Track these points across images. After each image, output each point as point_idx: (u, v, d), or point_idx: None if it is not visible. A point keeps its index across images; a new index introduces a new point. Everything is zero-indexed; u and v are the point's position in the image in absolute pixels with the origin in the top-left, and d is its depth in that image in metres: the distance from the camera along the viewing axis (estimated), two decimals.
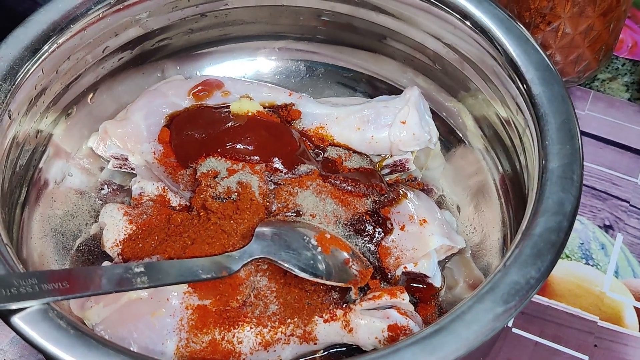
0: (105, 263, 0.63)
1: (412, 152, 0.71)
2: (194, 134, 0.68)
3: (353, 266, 0.62)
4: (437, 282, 0.66)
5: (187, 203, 0.67)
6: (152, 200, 0.69)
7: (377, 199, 0.67)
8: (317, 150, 0.71)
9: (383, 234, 0.66)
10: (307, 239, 0.62)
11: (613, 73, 0.91)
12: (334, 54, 0.80)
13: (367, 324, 0.59)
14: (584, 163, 0.58)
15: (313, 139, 0.71)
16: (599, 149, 0.84)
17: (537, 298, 0.73)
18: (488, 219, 0.70)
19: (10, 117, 0.62)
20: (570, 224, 0.54)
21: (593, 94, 0.89)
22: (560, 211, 0.55)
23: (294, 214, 0.64)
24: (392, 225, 0.66)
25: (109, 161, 0.72)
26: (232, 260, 0.59)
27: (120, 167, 0.72)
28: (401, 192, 0.68)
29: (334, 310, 0.60)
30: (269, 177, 0.65)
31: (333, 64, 0.81)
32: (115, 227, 0.66)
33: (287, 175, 0.66)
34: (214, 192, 0.64)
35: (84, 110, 0.73)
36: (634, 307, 0.73)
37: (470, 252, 0.69)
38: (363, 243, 0.65)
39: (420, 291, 0.66)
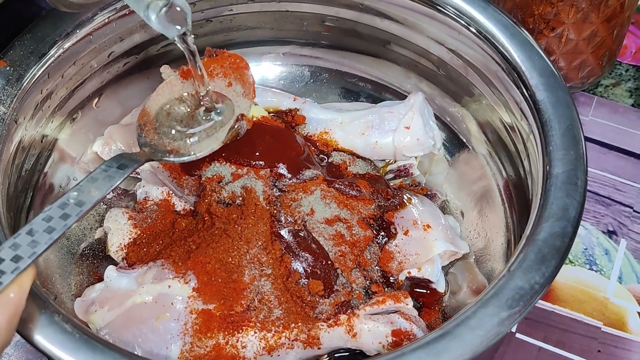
0: (110, 267, 0.64)
1: (416, 158, 0.72)
2: None
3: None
4: (440, 287, 0.66)
5: (192, 208, 0.68)
6: (157, 205, 0.69)
7: (381, 203, 0.67)
8: (321, 156, 0.71)
9: (387, 238, 0.66)
10: None
11: (616, 79, 0.91)
12: (338, 60, 0.80)
13: (371, 329, 0.59)
14: (587, 168, 0.58)
15: (317, 144, 0.72)
16: (602, 154, 0.84)
17: (541, 303, 0.73)
18: (492, 224, 0.70)
19: (16, 122, 0.62)
20: (575, 230, 0.55)
21: (596, 100, 0.89)
22: (564, 217, 0.55)
23: (300, 221, 0.64)
24: (395, 230, 0.66)
25: None
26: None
27: None
28: (405, 197, 0.68)
29: (338, 315, 0.60)
30: (274, 182, 0.65)
31: (337, 69, 0.81)
32: (120, 231, 0.67)
33: (291, 181, 0.66)
34: (218, 197, 0.64)
35: (89, 115, 0.73)
36: (638, 312, 0.73)
37: (473, 257, 0.69)
38: (367, 247, 0.65)
39: (423, 296, 0.66)
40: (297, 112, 0.73)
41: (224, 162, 0.66)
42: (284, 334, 0.59)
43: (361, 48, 0.79)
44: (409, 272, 0.65)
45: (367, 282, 0.64)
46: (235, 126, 0.62)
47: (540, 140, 0.61)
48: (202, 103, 0.62)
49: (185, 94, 0.64)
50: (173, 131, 0.62)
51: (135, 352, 0.58)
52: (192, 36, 0.57)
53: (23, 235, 0.47)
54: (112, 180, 0.53)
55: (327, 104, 0.78)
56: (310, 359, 0.61)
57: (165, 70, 0.67)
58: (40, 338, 0.49)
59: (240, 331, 0.59)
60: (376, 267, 0.65)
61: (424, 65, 0.76)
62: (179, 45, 0.57)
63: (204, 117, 0.63)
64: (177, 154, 0.61)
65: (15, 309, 0.44)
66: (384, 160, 0.72)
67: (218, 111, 0.63)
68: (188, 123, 0.63)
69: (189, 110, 0.63)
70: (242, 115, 0.63)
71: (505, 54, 0.65)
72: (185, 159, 0.61)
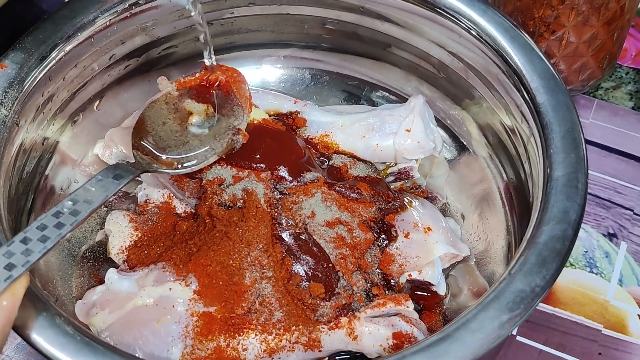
0: (111, 269, 0.64)
1: (416, 160, 0.72)
2: None
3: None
4: (441, 290, 0.66)
5: (193, 210, 0.68)
6: (158, 207, 0.69)
7: (382, 206, 0.67)
8: (322, 158, 0.71)
9: (387, 241, 0.66)
10: None
11: (617, 81, 0.91)
12: (339, 62, 0.81)
13: (371, 331, 0.59)
14: (588, 171, 0.59)
15: (318, 146, 0.72)
16: (602, 157, 0.84)
17: (541, 306, 0.73)
18: (492, 227, 0.70)
19: (17, 125, 0.62)
20: (575, 232, 0.55)
21: (597, 103, 0.89)
22: (565, 219, 0.55)
23: (301, 224, 0.64)
24: (396, 232, 0.66)
25: None
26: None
27: None
28: (406, 200, 0.68)
29: (339, 317, 0.60)
30: (275, 184, 0.65)
31: (338, 72, 0.81)
32: (120, 234, 0.67)
33: (292, 183, 0.66)
34: (219, 200, 0.64)
35: (90, 118, 0.73)
36: (638, 315, 0.73)
37: (474, 260, 0.69)
38: (368, 250, 0.65)
39: (424, 299, 0.66)
40: (298, 115, 0.73)
41: (225, 165, 0.66)
42: (284, 337, 0.59)
43: (362, 51, 0.79)
44: (410, 275, 0.65)
45: (368, 284, 0.64)
46: (232, 139, 0.63)
47: (540, 143, 0.61)
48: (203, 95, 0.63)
49: (182, 104, 0.64)
50: (168, 142, 0.63)
51: (137, 355, 0.58)
52: (200, 5, 0.60)
53: (17, 243, 0.47)
54: (107, 191, 0.54)
55: (328, 107, 0.78)
56: None
57: (161, 81, 0.67)
58: (41, 340, 0.49)
59: (241, 334, 0.59)
60: (377, 270, 0.65)
61: (424, 68, 0.76)
62: (191, 11, 0.59)
63: (200, 128, 0.63)
64: (171, 165, 0.62)
65: (8, 317, 0.44)
66: (385, 162, 0.72)
67: (213, 122, 0.63)
68: (183, 134, 0.63)
69: (184, 121, 0.64)
70: (238, 129, 0.63)
71: (506, 56, 0.66)
72: (180, 171, 0.62)
